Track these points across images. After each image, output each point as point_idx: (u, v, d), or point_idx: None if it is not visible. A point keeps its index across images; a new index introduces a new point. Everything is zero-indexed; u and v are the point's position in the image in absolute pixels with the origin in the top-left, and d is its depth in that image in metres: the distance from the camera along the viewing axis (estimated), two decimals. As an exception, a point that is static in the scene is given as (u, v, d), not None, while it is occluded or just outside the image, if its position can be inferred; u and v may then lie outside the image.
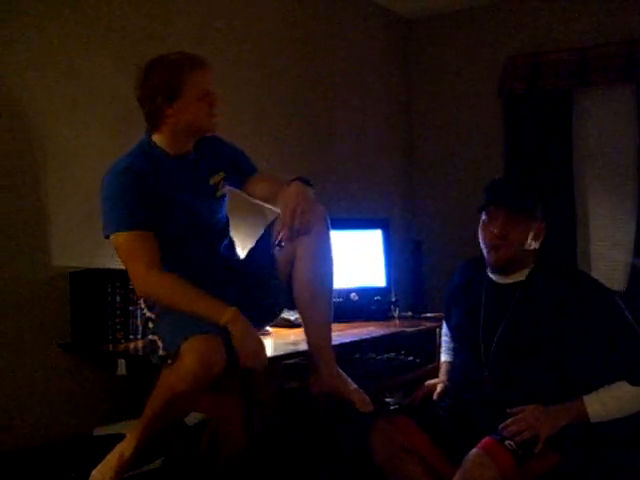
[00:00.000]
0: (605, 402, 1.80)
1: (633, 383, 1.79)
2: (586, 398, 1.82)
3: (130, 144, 2.00)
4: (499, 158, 3.89)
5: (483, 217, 1.97)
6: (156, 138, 2.00)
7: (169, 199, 1.97)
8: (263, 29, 3.16)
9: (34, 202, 2.29)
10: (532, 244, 1.94)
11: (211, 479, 2.07)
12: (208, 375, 1.75)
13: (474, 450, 1.75)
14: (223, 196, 2.14)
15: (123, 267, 2.37)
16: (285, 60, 3.30)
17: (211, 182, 2.09)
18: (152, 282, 1.88)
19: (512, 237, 1.90)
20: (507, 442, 1.75)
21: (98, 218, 2.43)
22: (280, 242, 2.02)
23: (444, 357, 2.26)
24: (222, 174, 2.11)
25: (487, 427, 1.83)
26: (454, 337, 2.16)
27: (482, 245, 1.99)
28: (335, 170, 3.51)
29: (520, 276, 1.97)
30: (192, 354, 1.74)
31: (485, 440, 1.77)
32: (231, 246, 2.20)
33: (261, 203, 2.20)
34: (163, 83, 1.91)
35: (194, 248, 2.04)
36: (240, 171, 2.17)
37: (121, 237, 1.90)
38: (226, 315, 1.81)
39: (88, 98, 2.45)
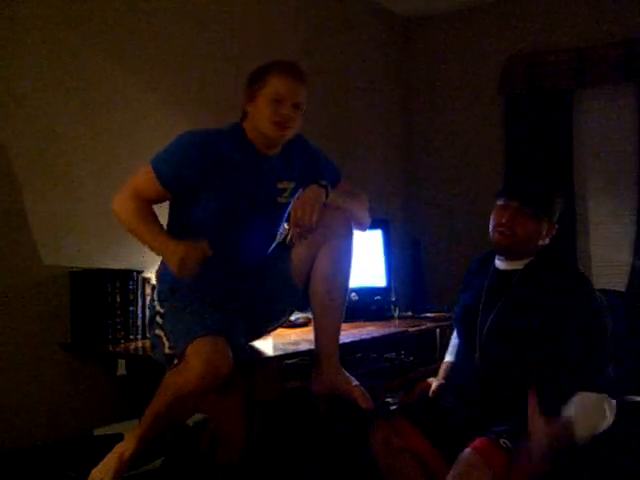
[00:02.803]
0: (571, 420, 1.76)
1: (583, 388, 1.80)
2: (565, 414, 1.78)
3: (135, 149, 2.01)
4: (499, 158, 3.88)
5: (498, 202, 2.03)
6: (246, 128, 2.04)
7: (228, 186, 1.98)
8: (261, 31, 3.16)
9: (35, 202, 2.28)
10: (540, 241, 2.00)
11: (211, 479, 2.07)
12: (215, 378, 1.76)
13: (467, 450, 1.75)
14: (283, 207, 2.13)
15: (123, 267, 2.40)
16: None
17: (279, 185, 2.08)
18: (125, 203, 1.94)
19: (517, 229, 1.97)
20: (502, 440, 1.75)
21: (98, 219, 2.45)
22: (291, 240, 2.06)
23: (447, 357, 2.27)
24: (293, 184, 2.11)
25: (479, 411, 1.87)
26: (456, 321, 2.17)
27: (490, 225, 2.04)
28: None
29: (520, 264, 2.02)
30: (199, 357, 1.74)
31: (478, 440, 1.77)
32: (266, 253, 2.19)
33: None
34: (249, 83, 2.01)
35: (228, 236, 2.04)
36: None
37: (146, 170, 1.95)
38: (170, 248, 1.87)
39: (96, 102, 2.45)
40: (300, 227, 2.00)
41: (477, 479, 1.69)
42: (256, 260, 2.15)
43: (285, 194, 2.10)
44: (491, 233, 2.04)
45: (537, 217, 1.97)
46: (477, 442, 1.76)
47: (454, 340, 2.27)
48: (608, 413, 1.81)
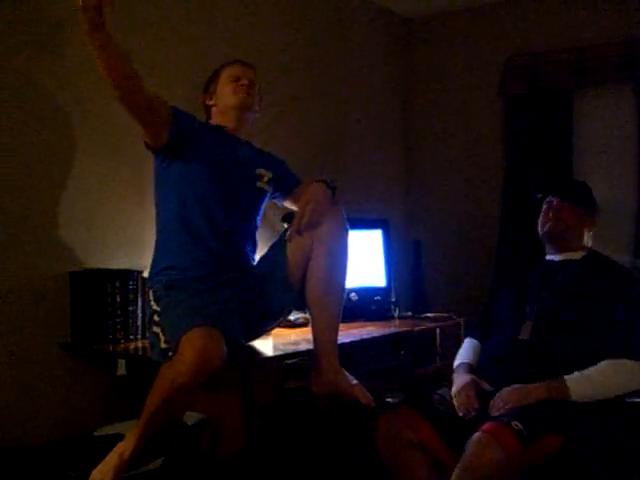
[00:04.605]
0: (587, 378, 1.88)
1: (614, 355, 1.90)
2: (566, 377, 1.90)
3: (136, 150, 2.04)
4: (499, 158, 3.88)
5: (544, 206, 2.25)
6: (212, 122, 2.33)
7: (213, 155, 2.15)
8: (262, 31, 3.16)
9: (34, 202, 2.29)
10: (585, 233, 2.21)
11: (211, 479, 2.07)
12: (208, 367, 1.77)
13: (477, 433, 1.74)
14: (262, 193, 2.27)
15: (123, 267, 2.40)
16: (284, 61, 3.30)
17: (257, 172, 2.25)
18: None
19: (564, 217, 2.18)
20: (513, 423, 1.75)
21: (98, 218, 2.45)
22: (289, 236, 2.09)
23: (462, 360, 2.21)
24: (270, 174, 2.29)
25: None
26: (502, 310, 2.23)
27: (540, 227, 2.25)
28: (335, 170, 3.51)
29: (577, 255, 2.18)
30: (191, 346, 1.76)
31: (488, 423, 1.77)
32: (253, 249, 2.29)
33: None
34: (206, 86, 2.33)
35: (223, 218, 2.14)
36: (287, 180, 2.38)
37: None
38: None
39: (99, 103, 2.44)
40: (307, 222, 2.03)
41: (490, 459, 1.67)
42: (244, 254, 2.22)
43: (264, 179, 2.27)
44: (541, 232, 2.23)
45: (577, 205, 2.19)
46: (487, 425, 1.76)
47: (468, 344, 2.27)
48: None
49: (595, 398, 1.88)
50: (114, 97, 1.93)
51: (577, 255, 2.19)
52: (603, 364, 1.91)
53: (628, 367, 1.90)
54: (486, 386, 2.00)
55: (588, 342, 1.96)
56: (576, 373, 1.89)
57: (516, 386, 1.91)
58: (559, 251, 2.21)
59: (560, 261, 2.20)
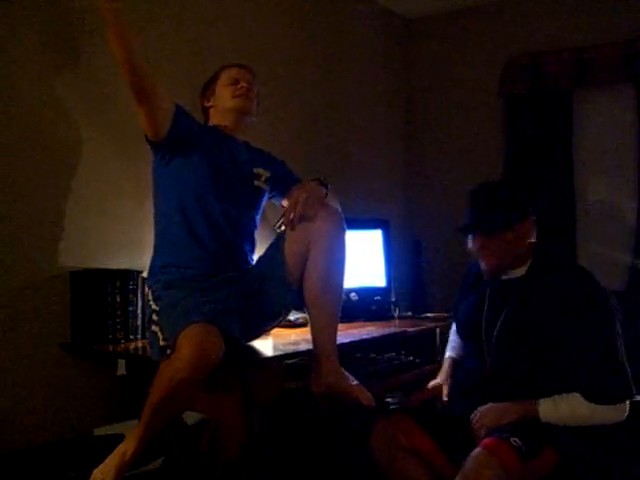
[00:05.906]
0: (558, 406, 1.85)
1: (586, 398, 1.84)
2: (540, 400, 1.86)
3: (136, 149, 2.05)
4: (499, 158, 3.88)
5: (469, 242, 2.06)
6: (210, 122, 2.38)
7: (211, 155, 2.19)
8: (263, 31, 3.16)
9: (35, 202, 2.29)
10: (521, 244, 1.98)
11: (211, 479, 2.07)
12: (205, 362, 1.77)
13: (477, 449, 1.74)
14: (260, 192, 2.31)
15: (122, 267, 2.40)
16: (285, 62, 3.30)
17: (254, 171, 2.29)
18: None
19: (493, 251, 2.00)
20: (512, 439, 1.75)
21: (98, 218, 2.45)
22: (280, 225, 2.11)
23: (449, 353, 2.25)
24: (268, 173, 2.33)
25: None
26: (459, 331, 2.18)
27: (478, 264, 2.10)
28: (335, 170, 3.51)
29: (521, 271, 2.01)
30: (189, 342, 1.76)
31: (487, 439, 1.77)
32: (252, 249, 2.31)
33: None
34: (204, 88, 2.39)
35: (221, 217, 2.16)
36: (286, 180, 2.40)
37: None
38: None
39: (99, 103, 2.45)
40: (300, 211, 2.03)
41: (489, 477, 1.67)
42: (242, 253, 2.23)
43: (262, 179, 2.31)
44: (480, 269, 2.07)
45: (497, 232, 1.97)
46: (487, 441, 1.76)
47: (453, 336, 2.27)
48: (591, 416, 1.85)
49: (560, 424, 1.86)
50: (123, 74, 1.96)
51: (521, 271, 2.01)
52: (576, 399, 1.85)
53: (599, 409, 1.84)
54: (443, 400, 2.07)
55: (554, 381, 1.89)
56: (550, 399, 1.86)
57: (490, 406, 1.89)
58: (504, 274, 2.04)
59: (505, 280, 2.03)
